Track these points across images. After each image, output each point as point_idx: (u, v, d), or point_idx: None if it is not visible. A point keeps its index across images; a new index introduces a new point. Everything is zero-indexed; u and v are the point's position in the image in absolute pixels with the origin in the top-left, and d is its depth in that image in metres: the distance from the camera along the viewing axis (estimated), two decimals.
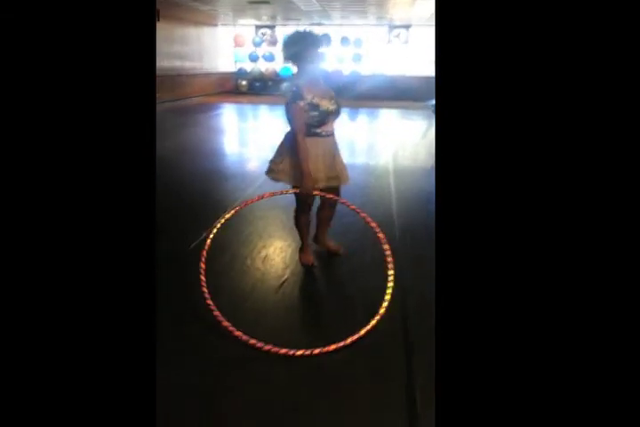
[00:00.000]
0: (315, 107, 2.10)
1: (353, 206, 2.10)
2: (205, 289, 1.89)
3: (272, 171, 2.28)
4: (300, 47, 2.08)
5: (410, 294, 2.16)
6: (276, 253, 2.68)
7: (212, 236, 2.03)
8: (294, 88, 2.10)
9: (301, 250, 2.51)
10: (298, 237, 2.52)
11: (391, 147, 6.29)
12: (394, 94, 12.72)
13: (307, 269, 2.47)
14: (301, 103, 2.07)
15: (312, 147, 2.14)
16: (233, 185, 4.32)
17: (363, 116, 10.08)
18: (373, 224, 2.01)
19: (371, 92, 12.33)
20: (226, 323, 1.81)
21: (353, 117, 9.76)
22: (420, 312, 2.01)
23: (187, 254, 2.51)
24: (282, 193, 2.24)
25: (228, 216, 2.08)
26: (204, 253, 1.97)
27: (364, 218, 2.04)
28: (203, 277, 1.91)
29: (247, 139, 7.77)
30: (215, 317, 1.83)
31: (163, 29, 10.68)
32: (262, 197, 2.15)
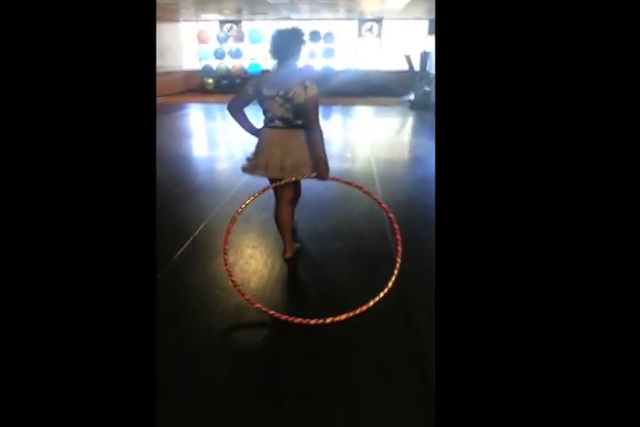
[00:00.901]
0: (268, 100, 2.18)
1: (375, 196, 2.30)
2: (228, 267, 2.09)
3: (245, 168, 2.37)
4: (285, 44, 2.14)
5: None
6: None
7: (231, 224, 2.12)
8: (255, 84, 2.22)
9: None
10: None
11: (368, 147, 5.83)
12: (368, 90, 12.30)
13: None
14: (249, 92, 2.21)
15: (268, 137, 2.26)
16: (205, 196, 3.85)
17: (336, 115, 9.58)
18: (391, 215, 2.19)
19: (344, 87, 11.89)
20: (248, 296, 2.01)
21: (326, 116, 9.27)
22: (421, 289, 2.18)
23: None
24: (290, 180, 2.28)
25: (246, 204, 2.15)
26: (227, 236, 2.10)
27: (384, 209, 2.22)
28: (226, 257, 2.10)
29: (217, 141, 7.19)
30: (238, 291, 2.03)
31: None
32: (269, 188, 2.29)
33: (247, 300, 2.00)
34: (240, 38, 13.08)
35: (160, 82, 11.95)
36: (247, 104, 2.29)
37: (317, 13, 11.94)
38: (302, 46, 2.18)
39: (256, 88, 2.19)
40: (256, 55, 13.01)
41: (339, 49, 12.91)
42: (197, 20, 13.29)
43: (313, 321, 1.88)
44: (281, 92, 2.13)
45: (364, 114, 9.72)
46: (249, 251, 2.73)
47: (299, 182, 2.53)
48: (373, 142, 6.28)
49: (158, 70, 11.81)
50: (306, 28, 12.34)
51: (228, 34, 13.11)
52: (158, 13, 9.61)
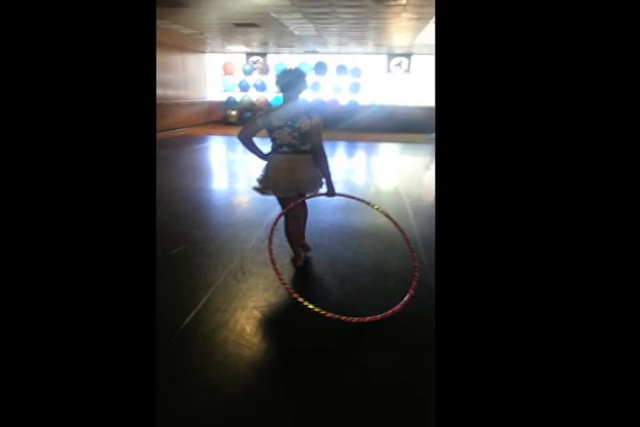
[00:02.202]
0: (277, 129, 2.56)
1: (400, 227, 2.61)
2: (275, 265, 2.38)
3: (257, 188, 2.72)
4: (289, 82, 2.52)
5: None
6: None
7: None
8: (263, 116, 2.59)
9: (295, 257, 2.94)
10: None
11: (395, 184, 5.28)
12: (394, 126, 11.87)
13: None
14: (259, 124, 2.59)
15: (277, 161, 2.64)
16: (231, 234, 3.58)
17: (361, 152, 9.10)
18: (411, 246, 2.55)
19: (370, 123, 11.50)
20: (296, 295, 2.23)
21: (351, 153, 8.79)
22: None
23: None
24: (312, 196, 2.73)
25: (277, 218, 2.54)
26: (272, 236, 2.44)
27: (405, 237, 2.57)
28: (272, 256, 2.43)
29: (238, 174, 6.78)
30: (286, 289, 2.33)
31: None
32: (292, 206, 2.62)
33: (295, 298, 2.21)
34: (265, 71, 12.92)
35: (183, 113, 11.77)
36: (254, 133, 2.64)
37: (345, 47, 11.70)
38: (305, 84, 2.57)
39: (265, 120, 2.56)
40: None
41: (366, 83, 12.60)
42: (224, 52, 13.22)
43: (355, 319, 2.14)
44: (289, 123, 2.51)
45: (389, 151, 9.21)
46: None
47: (304, 201, 2.84)
48: (400, 179, 5.72)
49: (182, 101, 11.64)
50: (332, 61, 12.39)
51: (254, 66, 12.97)
52: (184, 44, 9.36)
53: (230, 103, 12.96)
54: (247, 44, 11.90)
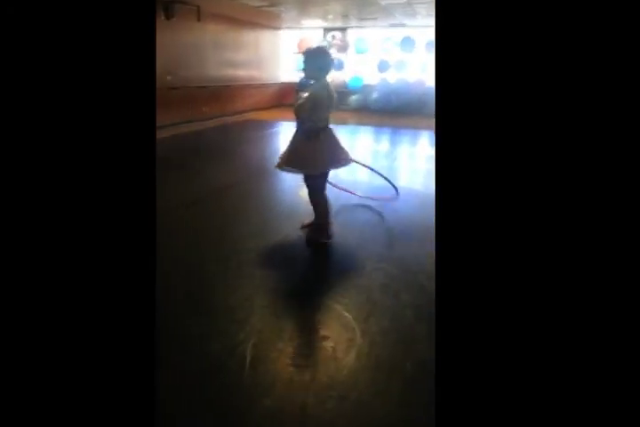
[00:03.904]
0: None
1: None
2: None
3: (279, 164, 2.92)
4: (316, 60, 2.72)
5: None
6: None
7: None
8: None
9: (322, 228, 2.96)
10: None
11: None
12: None
13: None
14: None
15: (297, 137, 2.89)
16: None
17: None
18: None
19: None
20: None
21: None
22: None
23: None
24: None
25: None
26: None
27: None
28: None
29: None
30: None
31: (209, 32, 8.90)
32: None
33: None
34: (344, 48, 11.61)
35: (253, 96, 10.84)
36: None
37: None
38: (330, 65, 2.80)
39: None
40: (360, 67, 11.45)
41: None
42: (300, 28, 12.07)
43: None
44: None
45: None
46: None
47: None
48: None
49: (253, 83, 10.71)
50: (421, 37, 10.85)
51: (332, 43, 11.70)
52: (259, 19, 8.13)
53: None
54: (325, 17, 10.65)
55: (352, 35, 11.74)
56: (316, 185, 2.89)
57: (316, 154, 2.78)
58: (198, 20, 8.33)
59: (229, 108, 9.80)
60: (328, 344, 1.87)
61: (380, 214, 3.68)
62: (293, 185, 4.18)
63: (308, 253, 2.94)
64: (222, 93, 9.58)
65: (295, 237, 3.08)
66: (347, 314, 2.09)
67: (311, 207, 2.98)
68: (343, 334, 1.94)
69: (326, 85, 2.75)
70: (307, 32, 12.06)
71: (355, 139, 8.45)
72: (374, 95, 11.07)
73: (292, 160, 2.84)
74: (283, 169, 2.88)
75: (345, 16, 10.48)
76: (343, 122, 9.64)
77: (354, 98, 11.37)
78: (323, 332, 2.01)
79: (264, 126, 8.74)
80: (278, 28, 11.92)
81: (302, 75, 2.82)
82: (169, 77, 7.94)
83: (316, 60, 2.71)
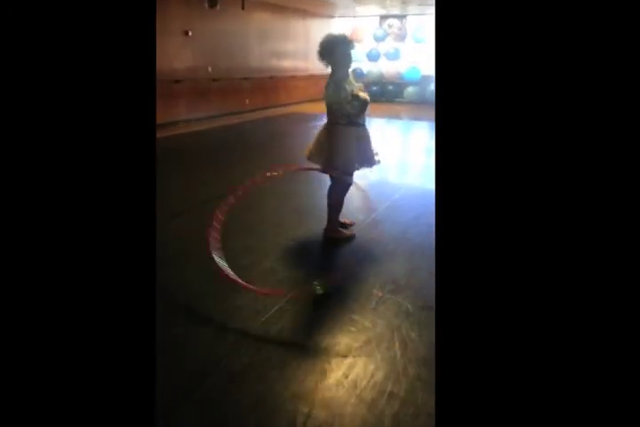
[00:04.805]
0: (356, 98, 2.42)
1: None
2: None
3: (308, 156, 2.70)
4: (335, 49, 2.42)
5: None
6: None
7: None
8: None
9: (336, 228, 2.80)
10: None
11: None
12: None
13: None
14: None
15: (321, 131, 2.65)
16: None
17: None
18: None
19: None
20: None
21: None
22: None
23: None
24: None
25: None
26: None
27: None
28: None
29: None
30: None
31: (253, 21, 8.48)
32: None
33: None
34: (402, 37, 10.80)
35: (299, 87, 10.36)
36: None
37: None
38: (348, 58, 2.47)
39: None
40: (417, 57, 10.61)
41: None
42: (354, 16, 11.39)
43: None
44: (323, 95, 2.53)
45: None
46: None
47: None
48: None
49: (299, 74, 10.22)
50: None
51: (388, 31, 10.93)
52: (309, 7, 7.43)
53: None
54: (382, 3, 9.92)
55: (411, 23, 10.91)
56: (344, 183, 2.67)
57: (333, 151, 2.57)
58: (242, 8, 7.93)
59: (274, 99, 9.37)
60: None
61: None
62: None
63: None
64: (267, 85, 9.16)
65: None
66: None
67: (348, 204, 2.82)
68: None
69: (337, 80, 2.45)
70: (362, 20, 11.37)
71: (407, 134, 7.74)
72: (432, 87, 10.21)
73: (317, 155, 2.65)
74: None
75: (403, 2, 9.69)
76: (396, 115, 8.93)
77: (409, 90, 10.56)
78: None
79: (308, 119, 8.20)
80: (331, 17, 11.31)
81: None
82: (210, 69, 7.62)
83: (332, 53, 2.43)
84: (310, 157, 2.66)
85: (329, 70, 2.51)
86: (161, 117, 5.59)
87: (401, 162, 5.35)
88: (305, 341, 1.81)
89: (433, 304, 2.00)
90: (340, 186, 2.69)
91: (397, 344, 1.76)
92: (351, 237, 2.81)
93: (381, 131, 7.18)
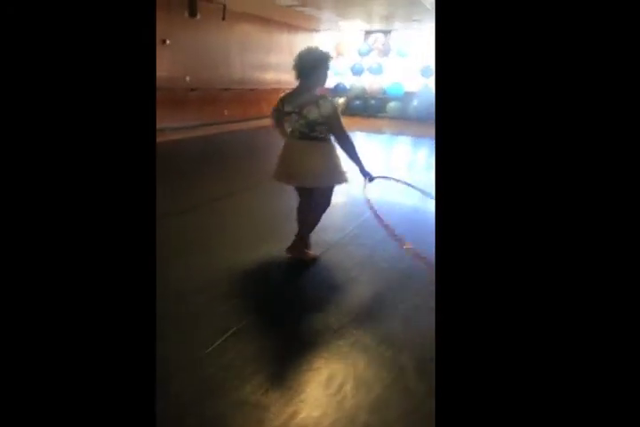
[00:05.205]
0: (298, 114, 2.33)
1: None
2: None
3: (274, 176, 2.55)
4: (307, 64, 2.29)
5: None
6: None
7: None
8: (282, 100, 2.44)
9: (302, 248, 2.65)
10: None
11: None
12: None
13: None
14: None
15: (288, 147, 2.51)
16: None
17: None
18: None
19: None
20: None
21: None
22: None
23: None
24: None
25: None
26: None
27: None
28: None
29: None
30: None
31: (235, 32, 8.39)
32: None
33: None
34: (386, 52, 10.80)
35: None
36: (281, 117, 2.45)
37: None
38: (325, 69, 2.32)
39: (282, 104, 2.40)
40: (400, 72, 10.60)
41: None
42: (339, 30, 11.39)
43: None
44: (297, 109, 2.30)
45: None
46: None
47: (329, 191, 2.53)
48: None
49: (282, 86, 10.13)
50: None
51: (373, 46, 10.94)
52: (293, 21, 7.05)
53: (338, 90, 11.06)
54: (367, 17, 9.91)
55: (396, 38, 10.94)
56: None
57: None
58: (223, 18, 7.82)
59: (255, 111, 9.24)
60: None
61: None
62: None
63: None
64: (248, 97, 9.03)
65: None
66: None
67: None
68: None
69: (324, 97, 2.30)
70: (347, 35, 11.37)
71: (389, 150, 7.65)
72: (415, 103, 10.19)
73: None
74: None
75: (388, 18, 9.69)
76: (378, 130, 8.87)
77: (392, 105, 10.53)
78: None
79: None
80: (315, 31, 11.29)
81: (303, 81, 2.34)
82: (187, 78, 7.47)
83: (315, 69, 2.29)
84: (285, 178, 2.48)
85: (296, 83, 2.35)
86: None
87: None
88: (249, 379, 1.63)
89: (393, 339, 1.87)
90: (322, 203, 2.53)
91: (349, 385, 1.59)
92: (314, 259, 2.64)
93: (363, 146, 7.08)
